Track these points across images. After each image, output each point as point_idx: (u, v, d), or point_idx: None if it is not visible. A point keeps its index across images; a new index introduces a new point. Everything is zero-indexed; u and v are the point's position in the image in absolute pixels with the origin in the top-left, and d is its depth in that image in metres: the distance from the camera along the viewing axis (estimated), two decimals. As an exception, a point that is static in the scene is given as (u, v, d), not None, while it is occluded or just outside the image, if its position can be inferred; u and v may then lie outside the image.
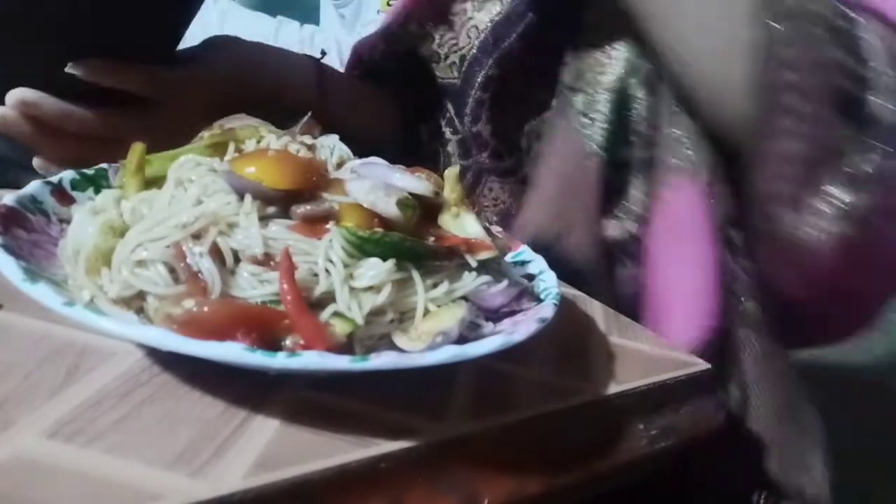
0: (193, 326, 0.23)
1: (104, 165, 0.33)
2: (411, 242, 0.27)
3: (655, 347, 0.35)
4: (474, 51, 0.48)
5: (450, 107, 0.52)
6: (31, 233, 0.28)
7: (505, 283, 0.30)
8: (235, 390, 0.24)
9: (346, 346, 0.25)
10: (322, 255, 0.26)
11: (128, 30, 0.40)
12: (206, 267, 0.25)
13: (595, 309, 0.38)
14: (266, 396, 0.24)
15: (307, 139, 0.33)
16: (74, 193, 0.32)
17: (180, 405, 0.23)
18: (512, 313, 0.30)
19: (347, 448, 0.22)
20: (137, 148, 0.31)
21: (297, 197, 0.28)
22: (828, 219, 0.34)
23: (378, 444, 0.23)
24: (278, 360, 0.22)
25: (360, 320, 0.25)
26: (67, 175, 0.32)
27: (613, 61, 0.44)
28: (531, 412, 0.27)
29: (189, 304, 0.24)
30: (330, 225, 0.27)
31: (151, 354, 0.26)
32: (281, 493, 0.20)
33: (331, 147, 0.33)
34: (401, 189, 0.29)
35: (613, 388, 0.30)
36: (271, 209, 0.27)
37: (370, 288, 0.26)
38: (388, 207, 0.28)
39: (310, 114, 0.35)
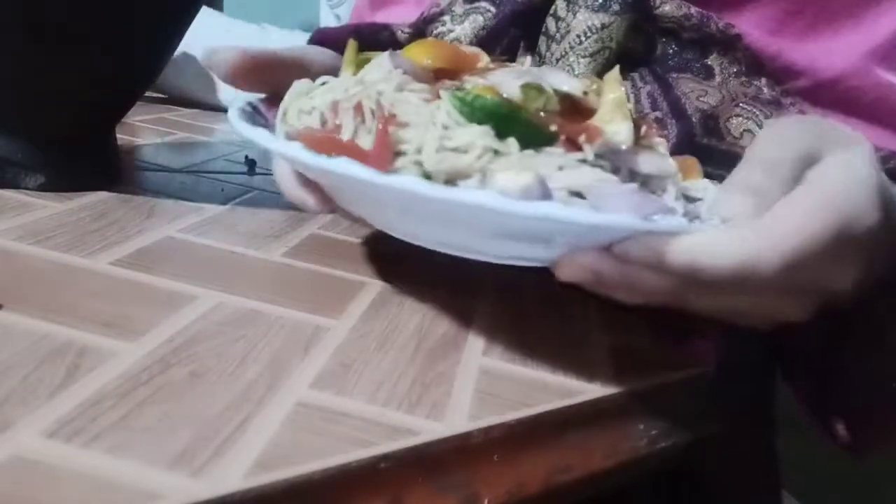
0: (308, 143, 0.28)
1: (253, 100, 0.36)
2: (509, 110, 0.27)
3: (655, 347, 0.35)
4: None
5: None
6: None
7: (632, 186, 0.26)
8: (236, 389, 0.24)
9: None
10: (427, 116, 0.27)
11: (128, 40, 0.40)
12: (346, 119, 0.29)
13: (594, 308, 0.38)
14: (266, 396, 0.24)
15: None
16: None
17: (180, 405, 0.23)
18: None
19: (347, 448, 0.22)
20: (351, 45, 0.35)
21: (448, 79, 0.30)
22: None
23: (378, 444, 0.23)
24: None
25: (428, 168, 0.26)
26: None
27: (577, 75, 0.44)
28: (531, 412, 0.27)
29: (305, 125, 0.31)
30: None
31: (151, 354, 0.26)
32: (281, 493, 0.20)
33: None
34: (546, 82, 0.29)
35: (613, 388, 0.30)
36: (420, 85, 0.29)
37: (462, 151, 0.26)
38: (511, 89, 0.28)
39: None
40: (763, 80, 0.45)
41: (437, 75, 0.31)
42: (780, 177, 0.26)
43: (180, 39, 0.46)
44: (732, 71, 0.45)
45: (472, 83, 0.29)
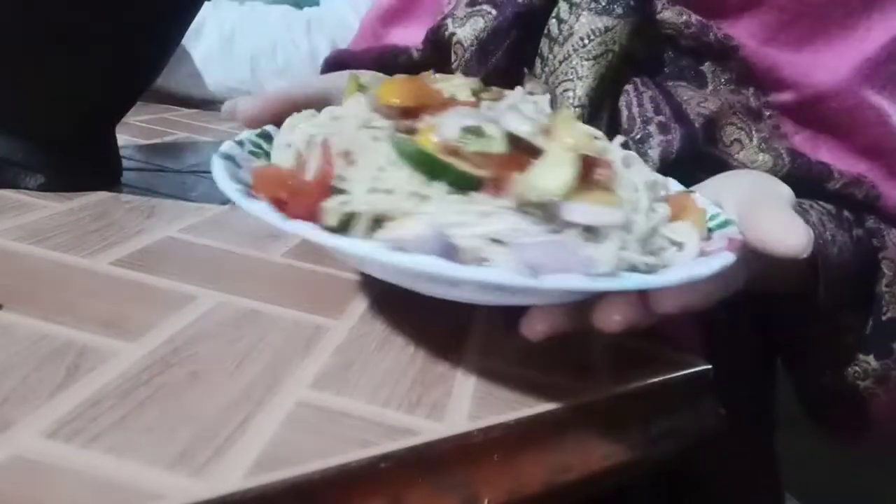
0: (255, 176, 0.29)
1: (268, 127, 0.35)
2: (428, 155, 0.27)
3: (655, 347, 0.35)
4: (461, 69, 0.48)
5: None
6: None
7: (552, 237, 0.26)
8: (236, 389, 0.24)
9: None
10: (370, 155, 0.27)
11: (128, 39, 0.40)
12: (314, 154, 0.28)
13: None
14: (266, 396, 0.24)
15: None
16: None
17: (180, 405, 0.23)
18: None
19: (347, 448, 0.22)
20: (354, 77, 0.35)
21: (412, 116, 0.30)
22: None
23: (378, 444, 0.23)
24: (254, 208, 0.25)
25: (353, 204, 0.26)
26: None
27: (580, 79, 0.44)
28: (531, 412, 0.27)
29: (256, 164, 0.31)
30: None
31: (151, 354, 0.26)
32: (281, 493, 0.20)
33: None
34: (497, 125, 0.28)
35: (613, 388, 0.30)
36: (384, 123, 0.30)
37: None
38: (448, 131, 0.27)
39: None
40: (751, 90, 0.45)
41: (404, 113, 0.31)
42: None
43: (181, 39, 0.46)
44: (724, 79, 0.45)
45: (425, 124, 0.29)
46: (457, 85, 0.34)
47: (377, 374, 0.27)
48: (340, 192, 0.27)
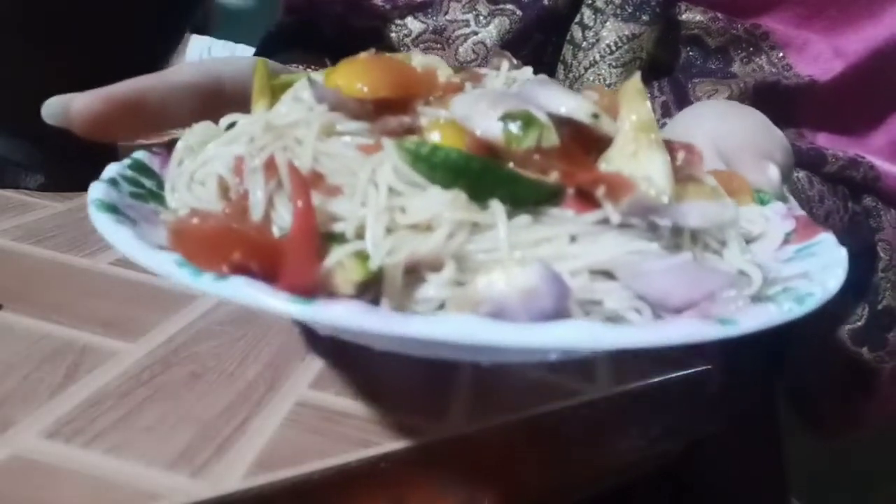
0: (181, 237, 0.19)
1: (139, 155, 0.27)
2: (485, 164, 0.19)
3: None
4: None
5: None
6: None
7: (683, 257, 0.19)
8: (236, 389, 0.24)
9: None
10: (365, 177, 0.19)
11: (126, 36, 0.40)
12: (254, 185, 0.20)
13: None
14: (266, 396, 0.24)
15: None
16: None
17: (180, 405, 0.23)
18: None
19: (347, 448, 0.22)
20: (260, 66, 0.26)
21: (395, 111, 0.22)
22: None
23: (378, 444, 0.23)
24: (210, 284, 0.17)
25: (377, 262, 0.18)
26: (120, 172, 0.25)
27: (608, 86, 0.44)
28: (531, 412, 0.27)
29: (184, 212, 0.21)
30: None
31: (151, 354, 0.26)
32: (281, 493, 0.20)
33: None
34: (536, 106, 0.20)
35: (613, 388, 0.30)
36: (356, 124, 0.21)
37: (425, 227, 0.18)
38: (487, 125, 0.19)
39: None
40: (788, 70, 0.45)
41: (378, 107, 0.22)
42: None
43: (180, 39, 0.46)
44: (756, 70, 0.45)
45: (430, 118, 0.21)
46: (427, 63, 0.26)
47: (377, 373, 0.27)
48: (332, 237, 0.19)
